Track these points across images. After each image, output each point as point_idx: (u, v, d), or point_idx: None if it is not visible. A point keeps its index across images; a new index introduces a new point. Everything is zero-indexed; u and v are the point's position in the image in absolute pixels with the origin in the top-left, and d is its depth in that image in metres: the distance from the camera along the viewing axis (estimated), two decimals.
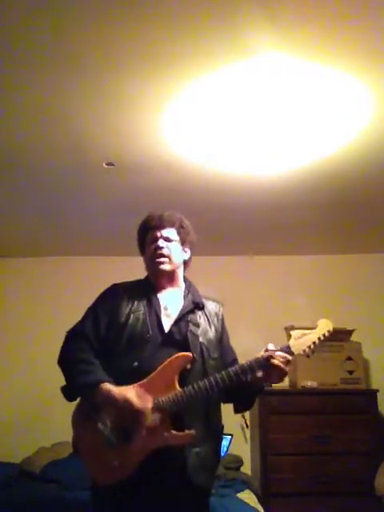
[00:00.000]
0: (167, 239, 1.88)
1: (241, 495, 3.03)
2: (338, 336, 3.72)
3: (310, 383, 3.57)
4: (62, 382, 1.78)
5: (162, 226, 1.90)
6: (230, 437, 3.59)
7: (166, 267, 1.86)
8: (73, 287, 4.17)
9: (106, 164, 2.65)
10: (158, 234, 1.88)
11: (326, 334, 1.74)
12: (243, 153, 2.56)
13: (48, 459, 3.46)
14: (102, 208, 3.29)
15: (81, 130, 2.34)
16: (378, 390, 3.58)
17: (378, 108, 2.17)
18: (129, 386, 1.63)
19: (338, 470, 3.37)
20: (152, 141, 2.43)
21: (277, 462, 3.41)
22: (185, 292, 1.91)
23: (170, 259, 1.86)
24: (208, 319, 1.87)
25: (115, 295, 1.86)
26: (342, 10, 1.62)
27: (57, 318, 4.08)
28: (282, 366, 1.67)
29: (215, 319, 1.90)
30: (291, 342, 1.72)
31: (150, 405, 1.61)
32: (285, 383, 3.83)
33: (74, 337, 1.81)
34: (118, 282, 1.96)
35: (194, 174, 2.79)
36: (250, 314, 3.90)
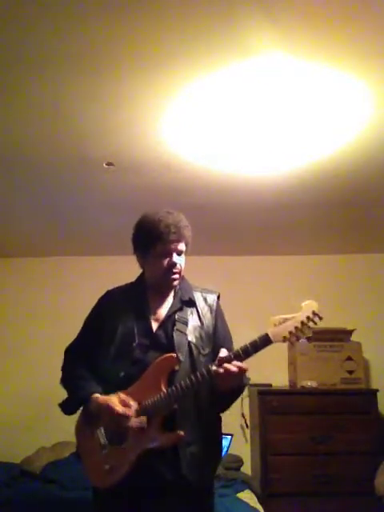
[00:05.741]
0: (180, 253, 1.81)
1: (241, 495, 3.04)
2: (338, 336, 3.73)
3: (310, 383, 3.57)
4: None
5: (179, 241, 1.79)
6: (229, 437, 3.59)
7: (178, 283, 1.84)
8: (73, 287, 4.18)
9: (106, 164, 2.65)
10: (174, 249, 1.79)
11: (311, 316, 1.59)
12: (243, 153, 2.56)
13: (48, 459, 3.47)
14: (102, 208, 3.29)
15: (81, 129, 2.34)
16: (377, 390, 3.58)
17: (378, 108, 2.17)
18: (114, 394, 1.66)
19: (338, 470, 3.37)
20: (152, 141, 2.43)
21: (277, 462, 3.42)
22: (175, 289, 1.87)
23: (180, 275, 1.83)
24: (199, 314, 1.83)
25: (107, 305, 1.88)
26: (342, 9, 1.62)
27: (57, 318, 4.10)
28: (226, 375, 1.57)
29: (208, 312, 1.85)
30: (269, 330, 1.60)
31: (133, 408, 1.62)
32: (285, 383, 3.85)
33: (68, 354, 1.92)
34: (117, 282, 1.96)
35: (194, 174, 2.79)
36: (249, 315, 3.89)
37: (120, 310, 1.83)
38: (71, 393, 1.79)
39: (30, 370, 4.03)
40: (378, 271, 4.22)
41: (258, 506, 2.94)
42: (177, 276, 1.81)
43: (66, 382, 1.84)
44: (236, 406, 3.49)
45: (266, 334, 1.60)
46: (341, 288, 4.11)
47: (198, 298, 1.87)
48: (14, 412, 3.95)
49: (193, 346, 1.74)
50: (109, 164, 2.65)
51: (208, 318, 1.84)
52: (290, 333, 1.59)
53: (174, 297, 1.86)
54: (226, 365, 1.59)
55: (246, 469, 3.70)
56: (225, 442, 3.45)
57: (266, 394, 3.54)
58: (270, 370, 3.70)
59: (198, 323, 1.81)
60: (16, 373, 4.06)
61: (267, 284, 4.20)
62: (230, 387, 1.64)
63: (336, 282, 4.15)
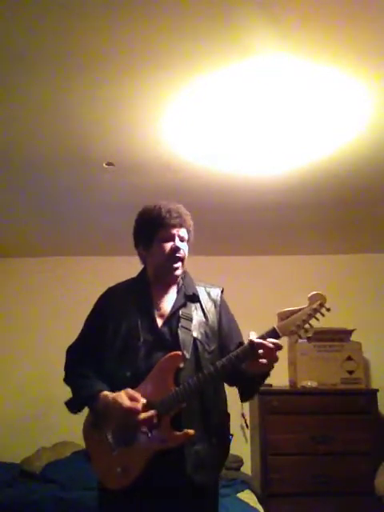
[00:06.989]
0: (182, 239, 1.80)
1: (241, 495, 3.04)
2: (338, 336, 3.73)
3: (310, 383, 3.57)
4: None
5: (180, 226, 1.80)
6: (230, 437, 3.59)
7: (180, 272, 1.81)
8: (73, 287, 4.17)
9: (106, 164, 2.65)
10: (177, 234, 1.78)
11: (317, 308, 1.56)
12: (243, 153, 2.56)
13: (48, 459, 3.47)
14: (102, 208, 3.29)
15: (81, 130, 2.34)
16: (377, 390, 3.58)
17: (378, 108, 2.17)
18: (122, 391, 1.64)
19: (338, 470, 3.37)
20: (152, 141, 2.44)
21: (277, 462, 3.42)
22: (179, 285, 1.85)
23: (183, 262, 1.80)
24: (203, 310, 1.80)
25: (109, 302, 1.85)
26: (342, 9, 1.62)
27: (57, 318, 4.10)
28: (263, 356, 1.56)
29: (212, 307, 1.82)
30: (277, 324, 1.59)
31: (141, 403, 1.59)
32: (285, 383, 3.85)
33: (71, 353, 1.88)
34: (117, 282, 1.93)
35: (194, 174, 2.79)
36: (249, 315, 3.89)
37: (123, 307, 1.80)
38: (76, 391, 1.76)
39: (30, 370, 4.03)
40: (379, 271, 4.22)
41: (258, 506, 2.94)
42: (179, 263, 1.78)
43: (70, 380, 1.81)
44: (236, 406, 3.48)
45: (274, 328, 1.59)
46: (341, 288, 4.10)
47: (201, 293, 1.84)
48: (14, 412, 3.95)
49: (198, 342, 1.72)
50: (109, 164, 2.65)
51: (212, 313, 1.81)
52: (298, 326, 1.57)
53: (178, 292, 1.83)
54: (264, 341, 1.55)
55: (246, 469, 3.70)
56: None
57: (266, 394, 3.53)
58: None
59: (203, 319, 1.78)
60: (16, 373, 4.06)
61: (267, 284, 4.20)
62: (267, 367, 1.60)
63: (336, 282, 4.13)
